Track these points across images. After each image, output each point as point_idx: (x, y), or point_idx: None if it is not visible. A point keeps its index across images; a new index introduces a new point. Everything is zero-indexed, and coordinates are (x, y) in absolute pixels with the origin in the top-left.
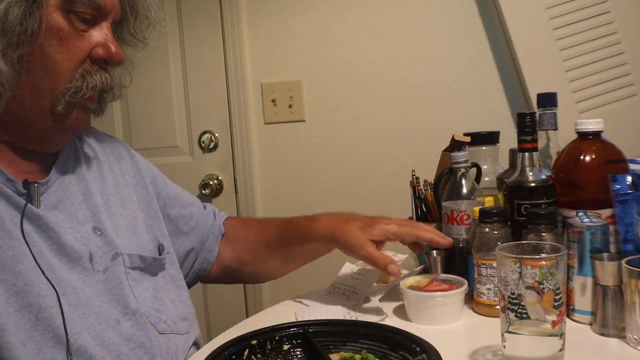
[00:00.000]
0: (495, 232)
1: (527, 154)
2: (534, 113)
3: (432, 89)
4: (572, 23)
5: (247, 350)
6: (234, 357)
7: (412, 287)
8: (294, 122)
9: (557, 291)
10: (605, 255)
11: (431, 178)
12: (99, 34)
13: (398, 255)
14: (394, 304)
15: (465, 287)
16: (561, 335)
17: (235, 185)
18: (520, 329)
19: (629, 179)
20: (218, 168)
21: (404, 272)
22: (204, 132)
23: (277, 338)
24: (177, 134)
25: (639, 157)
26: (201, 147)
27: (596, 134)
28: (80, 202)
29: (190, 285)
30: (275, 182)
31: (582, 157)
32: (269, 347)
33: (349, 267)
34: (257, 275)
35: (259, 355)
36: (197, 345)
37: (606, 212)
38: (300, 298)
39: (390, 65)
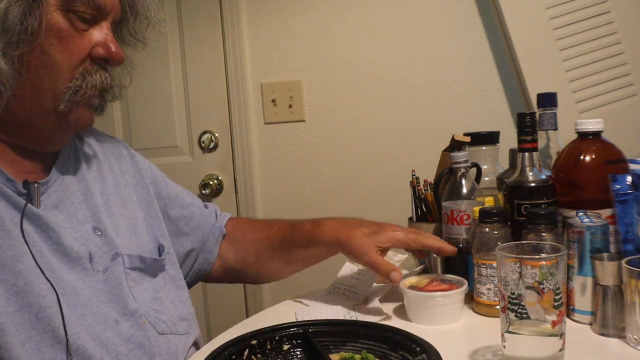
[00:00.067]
0: (495, 232)
1: (527, 154)
2: (534, 113)
3: (432, 89)
4: (572, 23)
5: (247, 350)
6: (234, 357)
7: (412, 287)
8: (294, 122)
9: (557, 291)
10: (605, 255)
11: (431, 178)
12: (99, 33)
13: (398, 255)
14: (394, 304)
15: (465, 287)
16: (561, 335)
17: (235, 185)
18: (520, 329)
19: (629, 179)
20: (218, 168)
21: (404, 272)
22: (204, 132)
23: (277, 338)
24: (177, 134)
25: (639, 157)
26: (201, 147)
27: (596, 134)
28: (81, 202)
29: (190, 285)
30: (275, 182)
31: (582, 157)
32: (269, 347)
33: (349, 267)
34: (259, 277)
35: (259, 355)
36: (196, 345)
37: (606, 212)
38: (300, 298)
39: (390, 66)
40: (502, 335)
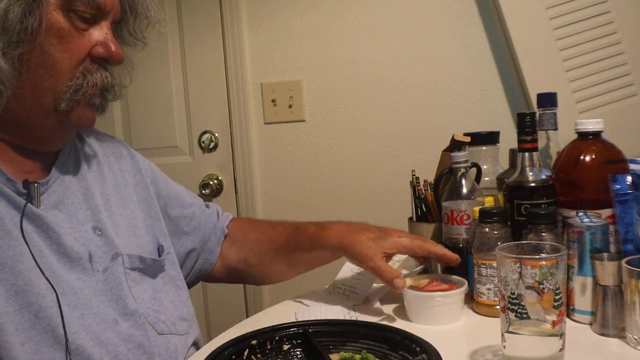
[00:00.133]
0: (495, 232)
1: (527, 154)
2: (534, 113)
3: (432, 89)
4: (572, 23)
5: (247, 350)
6: (234, 357)
7: (412, 287)
8: (294, 122)
9: (557, 291)
10: (605, 255)
11: (431, 178)
12: (99, 33)
13: (398, 255)
14: (394, 304)
15: (465, 287)
16: (561, 335)
17: (235, 185)
18: (520, 329)
19: (629, 179)
20: (218, 168)
21: (404, 272)
22: (204, 132)
23: (277, 338)
24: (177, 134)
25: (639, 157)
26: (201, 147)
27: (596, 134)
28: (80, 202)
29: (191, 285)
30: (275, 182)
31: (582, 157)
32: (269, 347)
33: (349, 267)
34: (261, 278)
35: (259, 355)
36: (196, 345)
37: (606, 212)
38: (300, 298)
39: (390, 65)
40: (502, 335)
